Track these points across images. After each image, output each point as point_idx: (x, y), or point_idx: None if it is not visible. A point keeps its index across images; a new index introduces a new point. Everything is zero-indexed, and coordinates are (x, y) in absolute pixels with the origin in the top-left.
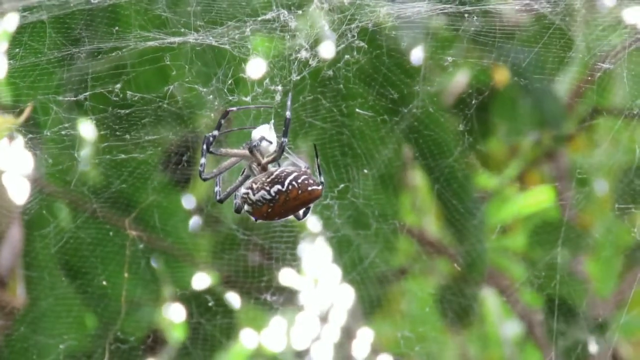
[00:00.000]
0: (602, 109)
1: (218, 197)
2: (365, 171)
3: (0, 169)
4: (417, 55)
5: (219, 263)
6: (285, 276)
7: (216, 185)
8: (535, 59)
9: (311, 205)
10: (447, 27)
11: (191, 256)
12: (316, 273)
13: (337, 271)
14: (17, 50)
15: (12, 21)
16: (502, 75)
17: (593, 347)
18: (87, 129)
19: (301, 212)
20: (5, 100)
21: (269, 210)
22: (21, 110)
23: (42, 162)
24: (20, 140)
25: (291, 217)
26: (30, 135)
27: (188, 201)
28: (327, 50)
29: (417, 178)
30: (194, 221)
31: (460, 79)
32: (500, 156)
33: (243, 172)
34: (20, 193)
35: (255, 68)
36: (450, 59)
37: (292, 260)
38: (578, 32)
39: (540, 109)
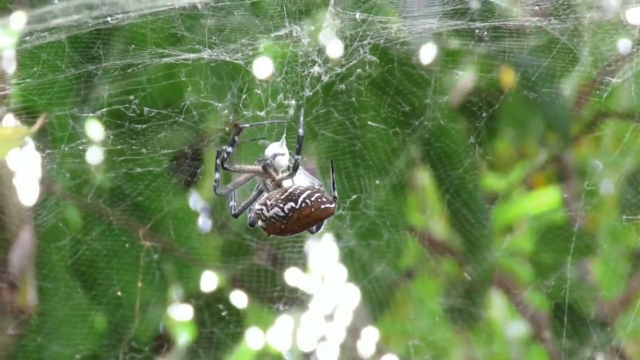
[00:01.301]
0: (609, 113)
1: (233, 212)
2: (377, 182)
3: (11, 172)
4: (428, 68)
5: (227, 265)
6: (292, 276)
7: (231, 200)
8: (544, 67)
9: (325, 221)
10: (458, 42)
11: (201, 260)
12: (323, 272)
13: (343, 271)
14: (36, 68)
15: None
16: (509, 78)
17: (599, 349)
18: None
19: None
20: (20, 111)
21: (282, 227)
22: (34, 119)
23: (59, 176)
24: (31, 145)
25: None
26: (48, 151)
27: (196, 202)
28: (339, 65)
29: (428, 187)
30: (204, 221)
31: (467, 79)
32: (507, 159)
33: (257, 187)
34: (30, 196)
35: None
36: (460, 72)
37: (299, 259)
38: (585, 44)
39: (547, 113)
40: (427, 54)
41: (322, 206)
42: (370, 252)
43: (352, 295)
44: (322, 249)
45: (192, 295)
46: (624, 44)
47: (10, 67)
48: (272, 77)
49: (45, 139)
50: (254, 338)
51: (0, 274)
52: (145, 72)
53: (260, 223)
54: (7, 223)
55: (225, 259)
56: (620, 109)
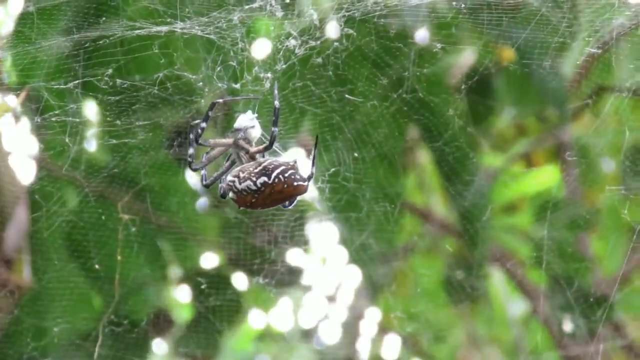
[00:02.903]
0: (606, 87)
1: (204, 182)
2: (356, 155)
3: (6, 151)
4: (407, 42)
5: (224, 242)
6: (293, 256)
7: (202, 169)
8: (536, 38)
9: (297, 197)
10: (441, 10)
11: (194, 235)
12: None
13: (343, 252)
14: (8, 39)
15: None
16: (507, 55)
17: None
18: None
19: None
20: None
21: (253, 200)
22: (17, 92)
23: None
24: (26, 122)
25: None
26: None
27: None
28: (315, 38)
29: (425, 164)
30: (202, 201)
31: (466, 59)
32: (505, 135)
33: (229, 158)
34: (26, 174)
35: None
36: (439, 45)
37: (300, 240)
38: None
39: (544, 88)
40: (406, 26)
41: (295, 183)
42: (350, 225)
43: (352, 274)
44: (321, 231)
45: (191, 274)
46: (619, 21)
47: None
48: (246, 51)
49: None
50: (255, 319)
51: None
52: (118, 44)
53: (231, 195)
54: (2, 201)
55: (223, 237)
56: (617, 82)
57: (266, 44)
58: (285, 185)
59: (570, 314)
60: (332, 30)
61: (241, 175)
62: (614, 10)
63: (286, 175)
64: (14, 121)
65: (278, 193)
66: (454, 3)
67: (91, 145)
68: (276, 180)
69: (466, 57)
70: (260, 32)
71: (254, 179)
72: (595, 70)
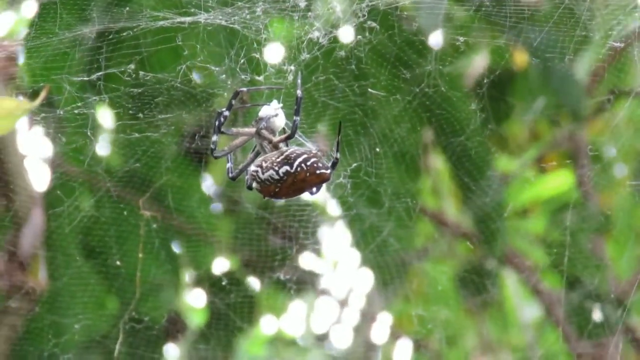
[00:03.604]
0: (621, 91)
1: (230, 175)
2: (378, 150)
3: (21, 153)
4: (429, 36)
5: (239, 245)
6: (305, 260)
7: (228, 162)
8: (552, 39)
9: (323, 184)
10: (460, 8)
11: (206, 236)
12: (336, 256)
13: (356, 255)
14: (29, 31)
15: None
16: (521, 58)
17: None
18: (100, 109)
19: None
20: (21, 83)
21: (277, 189)
22: (36, 92)
23: (56, 140)
24: (41, 122)
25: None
26: (44, 115)
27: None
28: (340, 31)
29: (441, 168)
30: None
31: (479, 62)
32: (519, 139)
33: (254, 149)
34: (41, 177)
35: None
36: (462, 39)
37: (313, 244)
38: (593, 13)
39: (559, 91)
40: (428, 21)
41: (318, 171)
42: (372, 220)
43: (365, 278)
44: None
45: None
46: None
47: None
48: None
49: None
50: (267, 323)
51: (12, 254)
52: (142, 35)
53: (255, 184)
54: (17, 202)
55: (238, 240)
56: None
57: (288, 36)
58: (308, 174)
59: (584, 317)
60: (354, 25)
61: (264, 165)
62: (630, 11)
63: (308, 163)
64: (31, 122)
65: (301, 182)
66: None
67: (111, 140)
68: (298, 169)
69: (482, 57)
70: (282, 26)
71: (276, 168)
72: (613, 71)
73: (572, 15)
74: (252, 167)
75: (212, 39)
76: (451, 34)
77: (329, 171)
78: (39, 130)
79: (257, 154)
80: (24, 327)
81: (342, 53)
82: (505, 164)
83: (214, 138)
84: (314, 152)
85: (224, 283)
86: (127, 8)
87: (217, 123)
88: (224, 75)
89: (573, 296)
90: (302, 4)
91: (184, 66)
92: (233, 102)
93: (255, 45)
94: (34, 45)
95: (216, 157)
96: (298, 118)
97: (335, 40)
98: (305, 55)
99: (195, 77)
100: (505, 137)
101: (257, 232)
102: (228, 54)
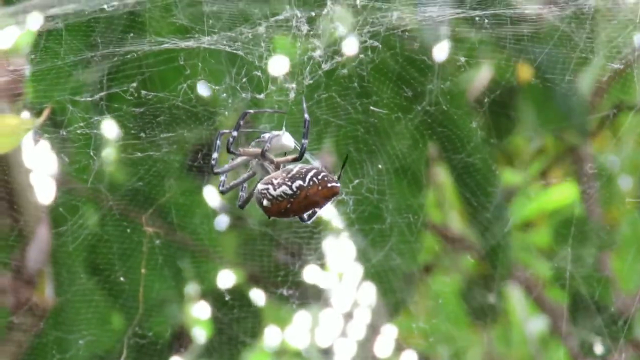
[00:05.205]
0: (624, 106)
1: (221, 188)
2: (380, 166)
3: (27, 169)
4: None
5: (242, 260)
6: (310, 273)
7: (222, 175)
8: (556, 57)
9: (318, 210)
10: (461, 29)
11: (208, 252)
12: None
13: (360, 268)
14: (34, 55)
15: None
16: (525, 73)
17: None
18: (103, 128)
19: (306, 215)
20: (25, 101)
21: (288, 205)
22: (40, 111)
23: (59, 160)
24: (45, 141)
25: None
26: (47, 135)
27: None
28: (342, 50)
29: (446, 182)
30: (221, 220)
31: (483, 76)
32: (524, 153)
33: (250, 169)
34: (47, 193)
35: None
36: (463, 59)
37: (317, 258)
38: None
39: (563, 106)
40: (430, 41)
41: (329, 184)
42: (373, 237)
43: (369, 291)
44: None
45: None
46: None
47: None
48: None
49: (45, 124)
50: (271, 336)
51: (18, 271)
52: (144, 57)
53: (265, 202)
54: (23, 220)
55: (242, 256)
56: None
57: (291, 55)
58: (320, 187)
59: (590, 332)
60: (357, 43)
61: (274, 182)
62: (634, 27)
63: (319, 177)
64: (35, 139)
65: (313, 196)
66: (476, 18)
67: (114, 158)
68: (311, 182)
69: (484, 73)
70: (284, 47)
71: (289, 183)
72: (615, 86)
73: (570, 39)
74: (260, 186)
75: (213, 58)
76: (453, 53)
77: (339, 184)
78: (45, 144)
79: (253, 174)
80: (29, 343)
81: (345, 71)
82: (509, 178)
83: (215, 155)
84: (320, 167)
85: (227, 298)
86: (131, 34)
87: (218, 141)
88: (224, 94)
89: (578, 310)
90: (304, 28)
91: (185, 85)
92: (241, 122)
93: (256, 63)
94: (38, 69)
95: (216, 174)
96: (306, 141)
97: (337, 59)
98: (307, 80)
99: (200, 90)
100: (509, 152)
101: (259, 248)
102: (229, 72)
